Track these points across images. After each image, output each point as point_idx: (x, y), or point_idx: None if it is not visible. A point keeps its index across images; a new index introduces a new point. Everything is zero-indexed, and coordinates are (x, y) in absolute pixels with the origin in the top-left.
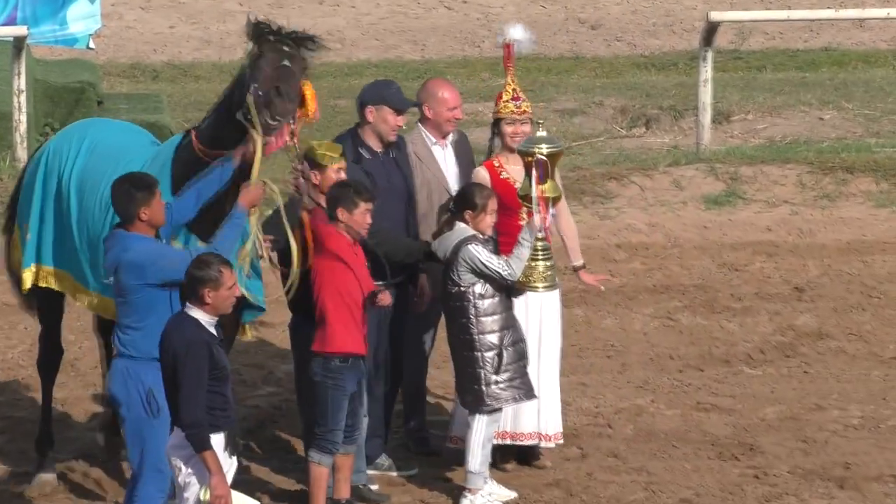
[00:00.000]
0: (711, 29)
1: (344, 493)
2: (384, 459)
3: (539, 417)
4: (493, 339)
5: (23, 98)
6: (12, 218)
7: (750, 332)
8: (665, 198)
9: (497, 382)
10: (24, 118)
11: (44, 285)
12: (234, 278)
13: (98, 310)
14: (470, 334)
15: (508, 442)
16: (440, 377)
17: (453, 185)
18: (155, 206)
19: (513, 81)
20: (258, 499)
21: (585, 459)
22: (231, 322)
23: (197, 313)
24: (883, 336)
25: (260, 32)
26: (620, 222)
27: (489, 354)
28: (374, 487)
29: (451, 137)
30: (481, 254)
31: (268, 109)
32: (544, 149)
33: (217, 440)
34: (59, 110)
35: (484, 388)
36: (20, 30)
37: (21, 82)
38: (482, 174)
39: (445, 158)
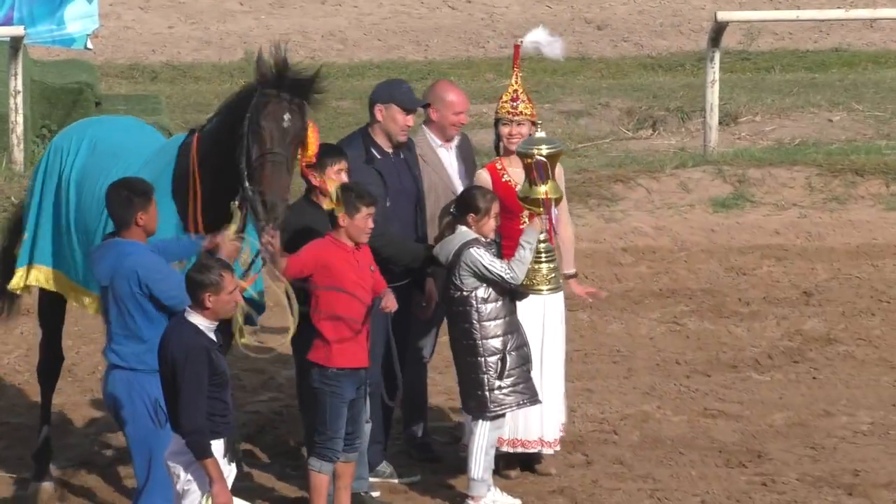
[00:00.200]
0: (719, 29)
1: (344, 501)
2: (385, 466)
3: (542, 423)
4: (496, 343)
5: (19, 99)
6: (20, 221)
7: (758, 336)
8: (672, 200)
9: (500, 388)
10: (20, 120)
11: (34, 284)
12: (235, 283)
13: (95, 311)
14: (473, 339)
15: (520, 450)
16: (443, 382)
17: (459, 188)
18: (152, 212)
19: (516, 82)
20: None
21: (591, 466)
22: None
23: (196, 318)
24: (893, 341)
25: (263, 80)
26: (626, 225)
27: (492, 359)
28: (376, 494)
29: (455, 140)
30: (483, 257)
31: (253, 213)
32: (543, 149)
33: (217, 447)
34: (56, 112)
35: (487, 393)
36: (17, 30)
37: (18, 83)
38: (484, 177)
39: (451, 161)
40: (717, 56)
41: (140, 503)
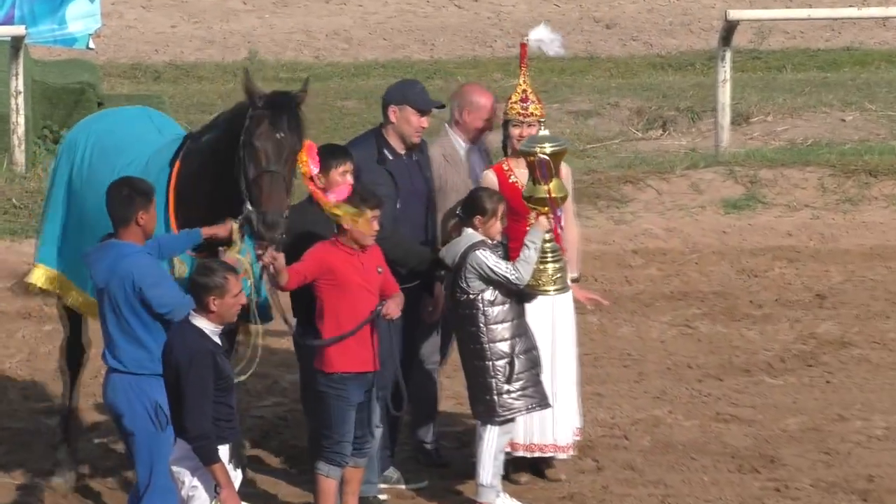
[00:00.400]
0: (730, 28)
1: None
2: (393, 472)
3: (555, 427)
4: (504, 347)
5: (21, 99)
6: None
7: (770, 340)
8: (683, 202)
9: (509, 392)
10: (22, 120)
11: (34, 283)
12: (240, 285)
13: (83, 309)
14: (480, 343)
15: (536, 454)
16: (451, 387)
17: None
18: (152, 212)
19: (525, 82)
20: None
21: (601, 472)
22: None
23: (201, 322)
24: None
25: (253, 101)
26: (637, 227)
27: (500, 363)
28: (384, 498)
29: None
30: (489, 259)
31: (250, 229)
32: (546, 147)
33: (222, 452)
34: (58, 112)
35: (496, 397)
36: (18, 29)
37: (19, 83)
38: (490, 178)
39: (476, 162)
40: (728, 55)
41: None
